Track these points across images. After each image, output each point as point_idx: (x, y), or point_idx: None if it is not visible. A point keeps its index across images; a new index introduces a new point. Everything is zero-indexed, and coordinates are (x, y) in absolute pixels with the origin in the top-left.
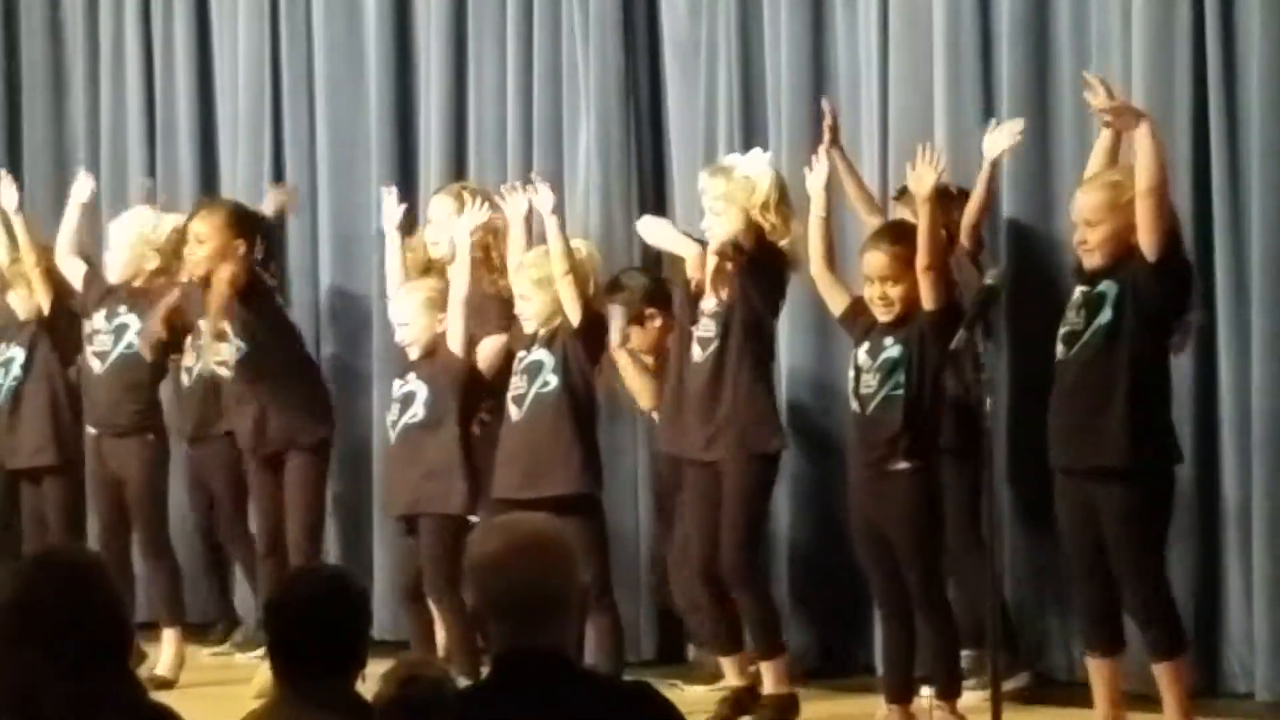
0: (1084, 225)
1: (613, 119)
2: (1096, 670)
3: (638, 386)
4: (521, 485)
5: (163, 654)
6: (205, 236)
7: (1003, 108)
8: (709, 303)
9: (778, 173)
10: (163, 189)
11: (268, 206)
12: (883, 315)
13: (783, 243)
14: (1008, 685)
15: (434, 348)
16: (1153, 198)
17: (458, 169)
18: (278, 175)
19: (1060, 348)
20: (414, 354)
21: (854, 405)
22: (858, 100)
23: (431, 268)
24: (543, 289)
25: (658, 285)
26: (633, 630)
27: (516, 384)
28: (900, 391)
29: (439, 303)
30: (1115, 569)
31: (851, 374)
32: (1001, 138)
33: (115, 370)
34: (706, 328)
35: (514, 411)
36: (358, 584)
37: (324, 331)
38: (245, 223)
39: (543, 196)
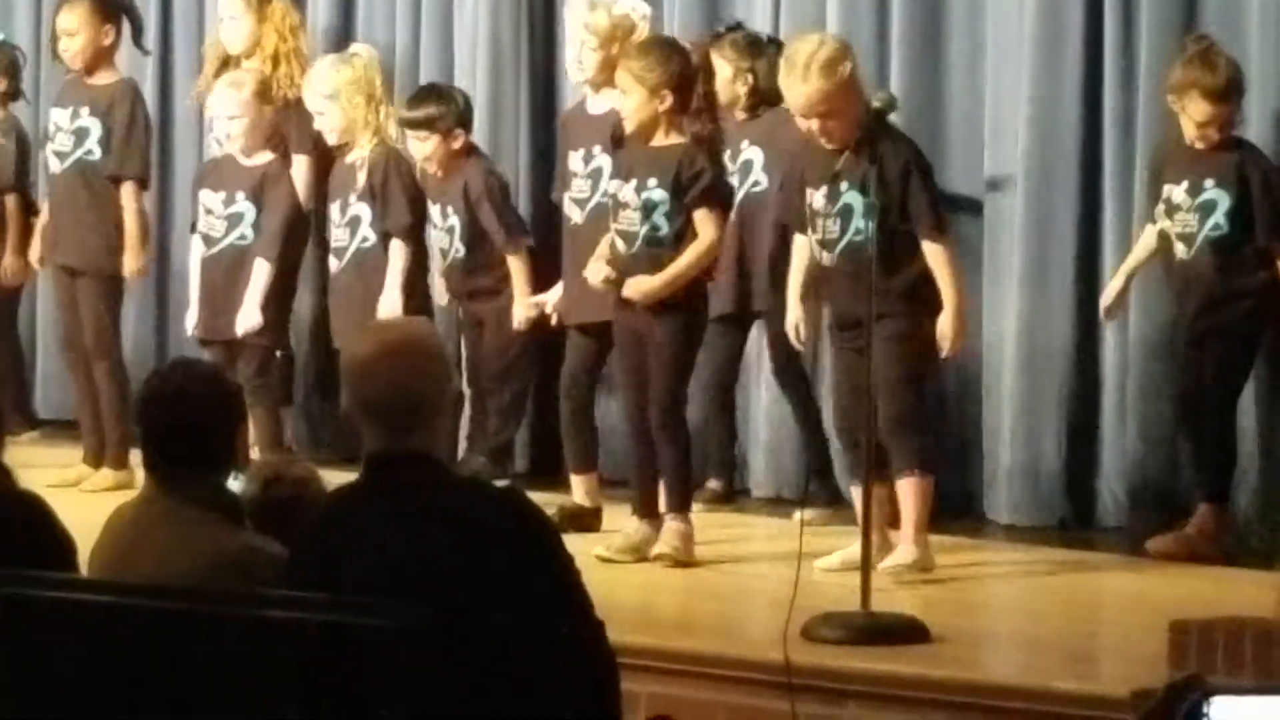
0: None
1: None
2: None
3: None
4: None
5: None
6: (74, 29)
7: None
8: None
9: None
10: None
11: None
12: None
13: None
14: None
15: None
16: None
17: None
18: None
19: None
20: (235, 146)
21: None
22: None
23: (229, 62)
24: (334, 102)
25: (469, 108)
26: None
27: (339, 236)
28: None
29: (266, 94)
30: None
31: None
32: None
33: None
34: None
35: (334, 264)
36: (233, 381)
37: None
38: (110, 7)
39: None
